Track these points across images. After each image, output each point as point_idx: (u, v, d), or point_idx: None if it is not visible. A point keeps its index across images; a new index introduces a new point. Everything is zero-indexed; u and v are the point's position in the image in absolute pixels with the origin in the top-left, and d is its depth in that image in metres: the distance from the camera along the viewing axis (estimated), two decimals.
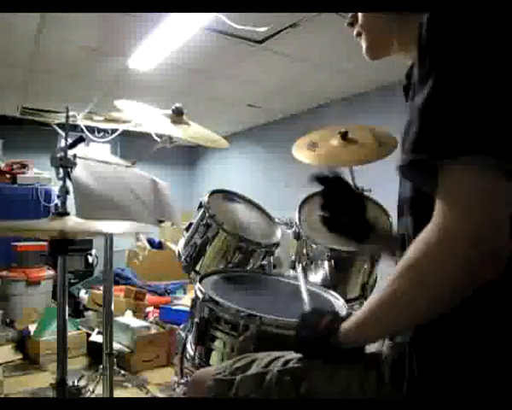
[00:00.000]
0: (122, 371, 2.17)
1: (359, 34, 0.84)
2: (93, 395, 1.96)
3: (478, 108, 0.52)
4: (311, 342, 0.77)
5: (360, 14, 0.82)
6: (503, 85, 0.53)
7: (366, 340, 0.72)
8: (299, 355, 0.81)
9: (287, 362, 0.80)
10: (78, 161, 1.37)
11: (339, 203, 1.00)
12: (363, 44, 0.84)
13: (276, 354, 0.84)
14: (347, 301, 1.35)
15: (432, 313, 0.59)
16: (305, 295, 1.14)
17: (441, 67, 0.55)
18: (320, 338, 0.74)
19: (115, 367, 1.95)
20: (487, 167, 0.51)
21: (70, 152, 1.34)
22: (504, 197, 0.52)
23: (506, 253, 0.53)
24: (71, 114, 1.44)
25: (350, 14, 0.87)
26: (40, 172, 4.58)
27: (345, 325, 0.71)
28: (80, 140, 1.39)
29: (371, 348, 0.79)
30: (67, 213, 1.28)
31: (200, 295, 1.08)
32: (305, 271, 1.57)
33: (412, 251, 0.57)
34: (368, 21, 0.81)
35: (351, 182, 1.98)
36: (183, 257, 1.57)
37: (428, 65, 0.57)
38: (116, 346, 2.28)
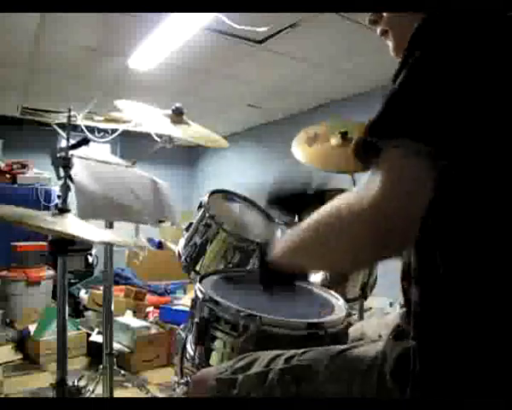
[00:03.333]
0: (122, 371, 2.16)
1: (385, 32, 0.81)
2: (93, 395, 1.96)
3: (424, 105, 0.60)
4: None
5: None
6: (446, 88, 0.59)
7: (287, 265, 0.81)
8: (300, 351, 0.81)
9: (288, 360, 0.80)
10: (75, 160, 1.37)
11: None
12: (390, 43, 0.81)
13: (277, 352, 0.84)
14: (347, 301, 1.34)
15: (336, 266, 0.73)
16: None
17: (413, 65, 0.63)
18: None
19: (115, 367, 1.95)
20: (410, 149, 0.59)
21: (71, 152, 1.34)
22: (423, 184, 0.59)
23: (401, 238, 0.59)
24: (71, 113, 1.44)
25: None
26: (40, 172, 4.58)
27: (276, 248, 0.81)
28: (84, 142, 1.38)
29: (373, 347, 0.79)
30: (68, 210, 1.27)
31: (200, 295, 1.08)
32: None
33: (339, 204, 0.65)
34: (395, 19, 0.78)
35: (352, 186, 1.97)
36: (183, 257, 1.57)
37: (404, 61, 0.64)
38: (116, 346, 2.28)
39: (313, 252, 0.72)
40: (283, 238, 0.82)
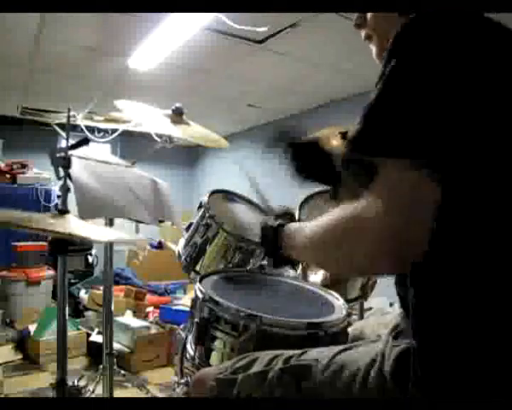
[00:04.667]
0: (122, 371, 2.17)
1: (369, 37, 0.80)
2: (93, 395, 1.96)
3: (409, 118, 0.59)
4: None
5: (370, 16, 0.77)
6: (435, 100, 0.58)
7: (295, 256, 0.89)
8: (300, 352, 0.81)
9: (288, 360, 0.80)
10: (75, 160, 1.37)
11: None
12: (374, 48, 0.79)
13: (277, 352, 0.84)
14: (347, 301, 1.34)
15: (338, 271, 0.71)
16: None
17: (389, 75, 0.63)
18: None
19: (115, 367, 1.95)
20: (411, 168, 0.58)
21: (70, 152, 1.34)
22: (426, 196, 0.58)
23: (416, 249, 0.58)
24: (71, 113, 1.43)
25: (357, 16, 0.81)
26: (40, 172, 4.58)
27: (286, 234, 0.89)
28: (84, 142, 1.38)
29: (373, 346, 0.79)
30: (68, 211, 1.27)
31: (200, 295, 1.08)
32: (305, 271, 1.57)
33: (344, 215, 0.66)
34: (379, 23, 0.77)
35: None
36: (183, 257, 1.56)
37: (383, 70, 0.64)
38: (116, 346, 2.28)
39: (330, 253, 0.73)
40: (299, 232, 0.84)
